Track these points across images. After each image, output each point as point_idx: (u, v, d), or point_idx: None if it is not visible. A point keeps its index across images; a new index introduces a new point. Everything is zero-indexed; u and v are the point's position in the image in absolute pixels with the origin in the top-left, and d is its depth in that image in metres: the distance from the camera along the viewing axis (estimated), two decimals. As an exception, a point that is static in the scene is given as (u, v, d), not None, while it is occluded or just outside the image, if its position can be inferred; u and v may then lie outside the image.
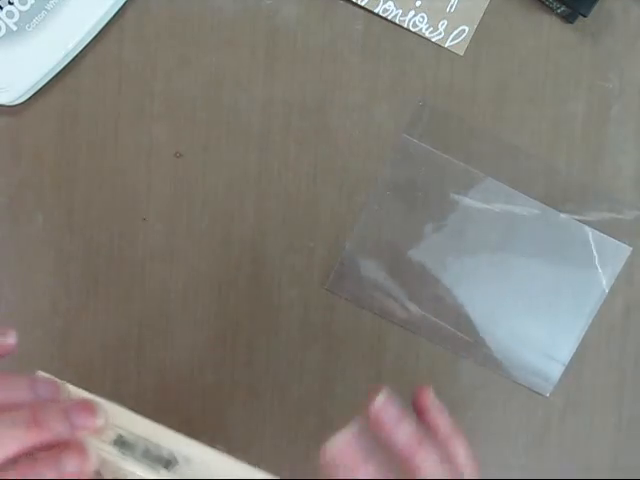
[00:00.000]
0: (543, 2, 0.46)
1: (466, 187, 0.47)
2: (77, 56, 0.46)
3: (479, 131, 0.47)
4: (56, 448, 0.30)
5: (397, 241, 0.48)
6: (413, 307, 0.48)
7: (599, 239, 0.47)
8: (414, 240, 0.47)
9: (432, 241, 0.47)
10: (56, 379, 0.33)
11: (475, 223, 0.47)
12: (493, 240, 0.48)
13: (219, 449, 0.34)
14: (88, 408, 0.32)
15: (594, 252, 0.47)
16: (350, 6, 0.46)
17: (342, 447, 0.34)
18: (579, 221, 0.47)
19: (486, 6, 0.46)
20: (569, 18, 0.46)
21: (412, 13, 0.46)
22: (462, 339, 0.48)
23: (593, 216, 0.48)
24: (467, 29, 0.46)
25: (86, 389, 0.34)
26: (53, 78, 0.46)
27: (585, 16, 0.45)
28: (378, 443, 0.34)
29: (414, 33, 0.46)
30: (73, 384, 0.35)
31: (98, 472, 0.31)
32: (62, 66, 0.46)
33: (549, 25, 0.47)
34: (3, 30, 0.45)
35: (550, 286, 0.48)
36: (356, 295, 0.48)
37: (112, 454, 0.31)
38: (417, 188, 0.47)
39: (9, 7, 0.44)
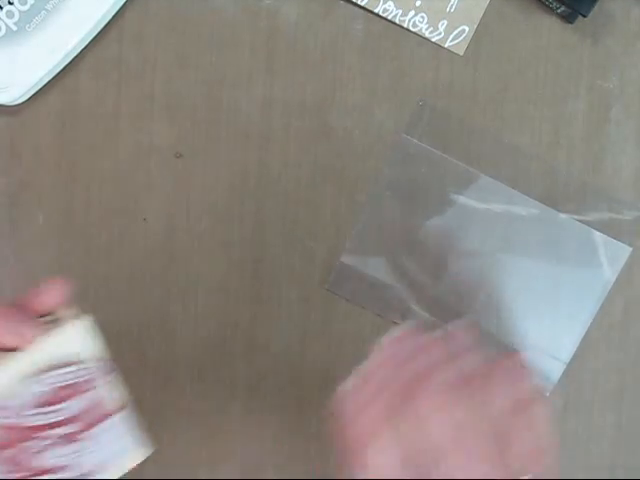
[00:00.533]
0: (543, 2, 0.46)
1: (466, 187, 0.47)
2: (77, 56, 0.46)
3: (479, 131, 0.47)
4: None
5: (397, 241, 0.48)
6: (413, 307, 0.48)
7: (599, 239, 0.47)
8: (414, 240, 0.47)
9: (432, 241, 0.47)
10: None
11: (475, 223, 0.47)
12: (493, 240, 0.48)
13: None
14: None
15: (593, 252, 0.47)
16: (350, 6, 0.46)
17: (353, 391, 0.37)
18: (579, 221, 0.47)
19: (486, 6, 0.46)
20: (569, 18, 0.46)
21: (412, 13, 0.46)
22: (462, 339, 0.48)
23: (593, 216, 0.48)
24: (467, 29, 0.46)
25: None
26: (53, 78, 0.46)
27: (585, 16, 0.45)
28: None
29: (414, 33, 0.46)
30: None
31: None
32: (62, 66, 0.46)
33: (549, 25, 0.47)
34: (3, 30, 0.45)
35: (550, 286, 0.48)
36: (356, 295, 0.48)
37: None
38: (417, 188, 0.47)
39: (9, 7, 0.44)
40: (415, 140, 0.47)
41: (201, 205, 0.47)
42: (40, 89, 0.46)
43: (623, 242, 0.48)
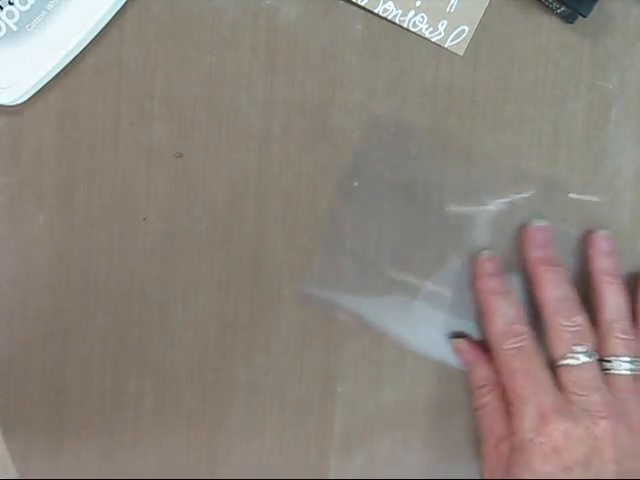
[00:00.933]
0: (543, 2, 0.46)
1: (465, 187, 0.47)
2: (77, 56, 0.46)
3: (479, 131, 0.47)
4: None
5: (397, 240, 0.47)
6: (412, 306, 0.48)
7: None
8: (414, 240, 0.47)
9: (431, 241, 0.47)
10: None
11: (475, 224, 0.47)
12: (494, 241, 0.47)
13: None
14: None
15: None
16: (350, 6, 0.46)
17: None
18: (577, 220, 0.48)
19: (486, 6, 0.46)
20: (569, 18, 0.46)
21: (412, 13, 0.46)
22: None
23: (592, 216, 0.48)
24: (467, 29, 0.46)
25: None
26: (53, 78, 0.46)
27: (585, 16, 0.45)
28: None
29: (414, 33, 0.46)
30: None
31: None
32: (62, 66, 0.46)
33: (549, 25, 0.47)
34: (3, 30, 0.45)
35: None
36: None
37: None
38: (417, 188, 0.47)
39: (9, 7, 0.44)
40: (415, 139, 0.47)
41: (201, 205, 0.47)
42: (40, 89, 0.46)
43: (622, 243, 0.48)
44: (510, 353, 0.43)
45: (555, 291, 0.44)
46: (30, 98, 0.46)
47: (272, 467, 0.48)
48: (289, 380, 0.48)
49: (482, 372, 0.45)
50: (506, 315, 0.44)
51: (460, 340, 0.47)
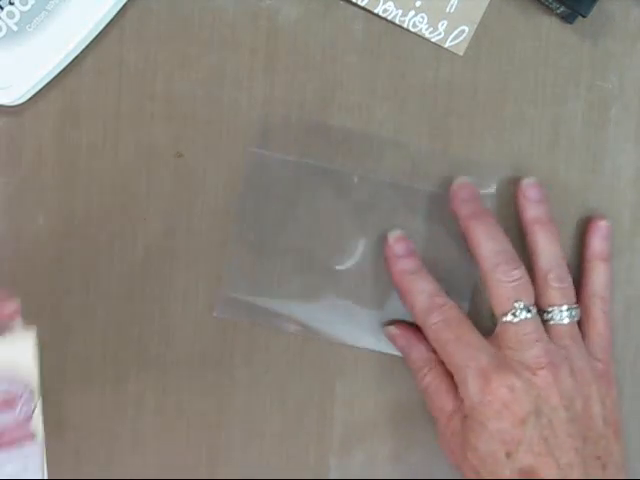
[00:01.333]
0: (543, 2, 0.46)
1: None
2: (77, 56, 0.46)
3: (479, 131, 0.47)
4: None
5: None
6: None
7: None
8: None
9: (425, 238, 0.47)
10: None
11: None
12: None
13: None
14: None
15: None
16: (350, 6, 0.46)
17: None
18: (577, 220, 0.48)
19: (486, 6, 0.46)
20: (569, 18, 0.46)
21: (412, 13, 0.46)
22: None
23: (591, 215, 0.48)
24: (467, 29, 0.46)
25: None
26: (53, 78, 0.46)
27: (585, 16, 0.45)
28: None
29: (414, 33, 0.46)
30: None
31: None
32: (62, 66, 0.46)
33: (549, 25, 0.47)
34: (4, 30, 0.45)
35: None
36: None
37: None
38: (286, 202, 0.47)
39: (10, 7, 0.44)
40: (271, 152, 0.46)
41: (201, 205, 0.47)
42: (40, 89, 0.46)
43: (622, 242, 0.48)
44: (437, 326, 0.43)
45: (490, 244, 0.43)
46: (30, 98, 0.46)
47: (272, 467, 0.48)
48: (289, 380, 0.48)
49: (419, 354, 0.45)
50: (424, 291, 0.43)
51: (392, 327, 0.46)
